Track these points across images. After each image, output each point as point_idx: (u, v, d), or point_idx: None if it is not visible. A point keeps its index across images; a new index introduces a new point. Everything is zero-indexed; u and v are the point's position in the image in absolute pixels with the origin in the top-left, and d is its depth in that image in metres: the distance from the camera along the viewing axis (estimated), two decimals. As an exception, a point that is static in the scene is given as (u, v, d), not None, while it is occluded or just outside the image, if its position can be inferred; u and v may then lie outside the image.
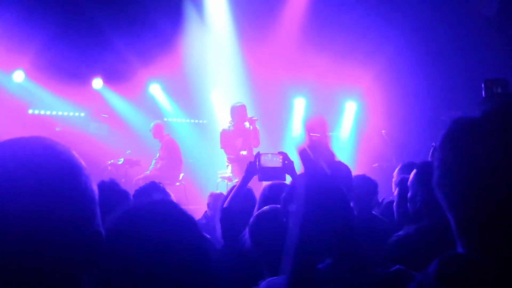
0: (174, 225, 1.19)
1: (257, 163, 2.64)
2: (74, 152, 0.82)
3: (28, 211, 0.71)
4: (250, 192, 2.68)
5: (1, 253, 0.70)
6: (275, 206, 1.93)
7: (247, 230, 2.27)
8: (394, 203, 2.51)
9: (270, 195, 2.30)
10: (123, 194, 2.18)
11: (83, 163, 0.82)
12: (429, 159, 3.09)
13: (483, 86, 2.68)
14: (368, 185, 3.05)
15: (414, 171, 2.19)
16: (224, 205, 2.50)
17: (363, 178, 3.10)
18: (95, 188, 0.83)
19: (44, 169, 0.75)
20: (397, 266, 1.38)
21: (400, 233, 2.18)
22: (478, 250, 0.69)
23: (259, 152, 2.73)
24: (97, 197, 0.83)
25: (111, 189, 2.09)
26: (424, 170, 2.09)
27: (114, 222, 1.08)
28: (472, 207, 0.70)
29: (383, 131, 8.00)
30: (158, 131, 7.28)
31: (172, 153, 7.16)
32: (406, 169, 2.92)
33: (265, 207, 1.89)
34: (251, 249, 2.05)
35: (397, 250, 2.05)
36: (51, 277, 0.73)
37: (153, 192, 2.87)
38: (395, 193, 2.54)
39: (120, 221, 1.10)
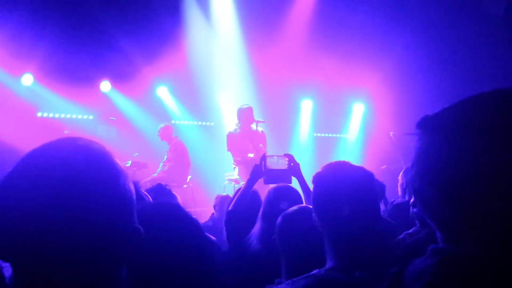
0: (178, 227, 1.20)
1: (263, 165, 2.63)
2: (110, 152, 0.88)
3: (78, 212, 0.78)
4: (255, 195, 2.67)
5: (57, 248, 0.77)
6: (305, 206, 1.91)
7: (253, 231, 2.26)
8: (411, 201, 2.49)
9: (275, 198, 2.28)
10: (139, 196, 2.18)
11: (119, 162, 0.88)
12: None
13: None
14: (375, 187, 3.02)
15: None
16: (229, 208, 2.49)
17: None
18: (132, 187, 0.89)
19: (88, 173, 0.81)
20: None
21: (410, 231, 2.18)
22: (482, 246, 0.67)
23: (264, 154, 2.71)
24: (134, 196, 0.89)
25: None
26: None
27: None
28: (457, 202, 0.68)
29: (391, 133, 7.94)
30: (167, 133, 7.28)
31: (180, 156, 7.16)
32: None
33: (294, 207, 1.86)
34: (262, 250, 2.03)
35: (402, 250, 2.03)
36: (98, 270, 0.82)
37: (159, 194, 2.87)
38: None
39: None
